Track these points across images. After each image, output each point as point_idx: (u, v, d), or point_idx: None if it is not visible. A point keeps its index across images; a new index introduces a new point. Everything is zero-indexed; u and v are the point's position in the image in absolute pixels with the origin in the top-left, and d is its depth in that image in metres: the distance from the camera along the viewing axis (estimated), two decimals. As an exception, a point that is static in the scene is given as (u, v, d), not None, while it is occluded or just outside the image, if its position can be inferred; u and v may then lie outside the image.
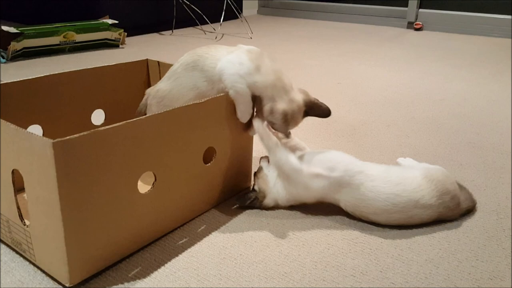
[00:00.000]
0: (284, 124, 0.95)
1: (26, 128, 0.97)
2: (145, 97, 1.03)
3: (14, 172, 0.75)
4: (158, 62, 1.16)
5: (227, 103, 0.94)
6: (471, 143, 1.37)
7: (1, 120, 0.73)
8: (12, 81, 0.97)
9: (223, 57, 0.95)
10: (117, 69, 1.13)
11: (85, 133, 0.69)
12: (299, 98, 0.97)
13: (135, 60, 1.18)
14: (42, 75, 1.01)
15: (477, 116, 1.60)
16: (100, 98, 1.11)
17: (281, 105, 0.94)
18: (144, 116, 0.80)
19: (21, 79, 0.98)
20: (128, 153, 0.77)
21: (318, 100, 1.00)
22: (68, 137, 0.67)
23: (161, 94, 0.98)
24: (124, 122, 0.75)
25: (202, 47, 1.00)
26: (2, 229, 0.85)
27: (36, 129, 1.00)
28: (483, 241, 0.89)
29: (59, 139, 0.66)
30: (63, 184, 0.68)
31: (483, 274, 0.80)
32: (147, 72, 1.19)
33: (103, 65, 1.11)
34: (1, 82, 0.95)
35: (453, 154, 1.29)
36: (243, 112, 0.96)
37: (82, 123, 1.08)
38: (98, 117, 1.13)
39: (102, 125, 1.12)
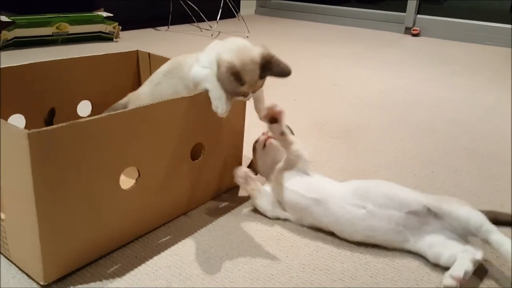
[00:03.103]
0: (236, 79, 0.83)
1: (7, 117, 0.94)
2: (125, 99, 1.00)
3: None
4: (149, 54, 1.12)
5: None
6: (466, 149, 1.34)
7: None
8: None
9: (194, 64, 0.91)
10: (106, 60, 1.09)
11: (63, 124, 0.65)
12: (254, 50, 0.87)
13: (127, 53, 1.14)
14: (27, 63, 0.97)
15: (473, 123, 1.58)
16: (87, 89, 1.08)
17: (227, 56, 0.84)
18: (128, 109, 0.76)
19: (4, 66, 0.94)
20: (110, 147, 0.73)
21: (279, 58, 0.90)
22: (44, 128, 0.63)
23: (142, 98, 0.95)
24: (107, 114, 0.72)
25: (183, 55, 0.97)
26: None
27: (18, 119, 0.97)
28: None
29: (35, 130, 0.62)
30: (38, 178, 0.64)
31: (476, 282, 0.78)
32: (137, 64, 1.15)
33: (91, 54, 1.08)
34: None
35: (448, 159, 1.27)
36: (216, 98, 0.86)
37: (67, 114, 1.04)
38: (84, 108, 1.09)
39: (89, 116, 1.08)
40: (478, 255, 0.77)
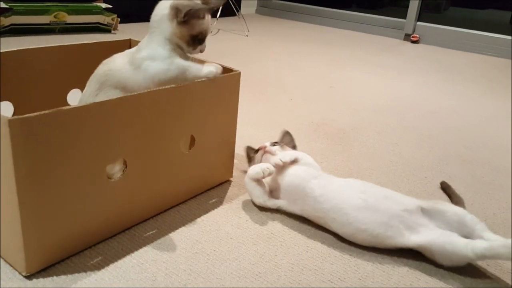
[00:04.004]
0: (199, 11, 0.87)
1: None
2: None
3: None
4: None
5: (211, 90, 0.89)
6: (460, 156, 1.34)
7: None
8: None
9: (129, 65, 0.87)
10: (98, 48, 1.07)
11: (46, 111, 0.63)
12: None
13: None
14: (17, 49, 0.95)
15: (468, 130, 1.58)
16: (78, 77, 1.05)
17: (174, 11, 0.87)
18: (116, 98, 0.75)
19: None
20: (96, 137, 0.71)
21: None
22: (26, 115, 0.61)
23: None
24: (93, 102, 0.70)
25: (99, 68, 0.91)
26: None
27: (6, 106, 0.94)
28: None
29: (17, 117, 0.60)
30: (20, 166, 0.63)
31: (476, 282, 0.77)
32: None
33: (83, 42, 1.06)
34: None
35: (441, 165, 1.26)
36: (201, 68, 0.88)
37: (57, 103, 1.01)
38: (75, 97, 1.07)
39: None
40: None
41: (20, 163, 0.62)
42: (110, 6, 2.56)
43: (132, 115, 0.76)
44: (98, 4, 2.54)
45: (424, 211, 0.84)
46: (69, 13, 2.40)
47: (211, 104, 0.91)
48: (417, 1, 3.29)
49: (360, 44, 3.12)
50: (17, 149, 0.61)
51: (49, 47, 1.00)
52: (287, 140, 1.10)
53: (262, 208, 0.95)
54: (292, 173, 0.92)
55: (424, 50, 3.10)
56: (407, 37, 3.36)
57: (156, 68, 0.85)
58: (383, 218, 0.82)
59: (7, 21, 2.21)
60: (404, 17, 3.38)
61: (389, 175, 1.17)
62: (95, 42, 1.07)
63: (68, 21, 2.41)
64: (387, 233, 0.82)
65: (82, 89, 1.06)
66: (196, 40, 0.89)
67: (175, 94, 0.83)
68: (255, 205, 0.95)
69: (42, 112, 0.63)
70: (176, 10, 0.86)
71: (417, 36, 3.30)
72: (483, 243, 0.76)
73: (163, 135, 0.83)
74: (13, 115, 0.95)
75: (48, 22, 2.35)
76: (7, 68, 0.94)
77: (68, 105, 1.04)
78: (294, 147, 1.08)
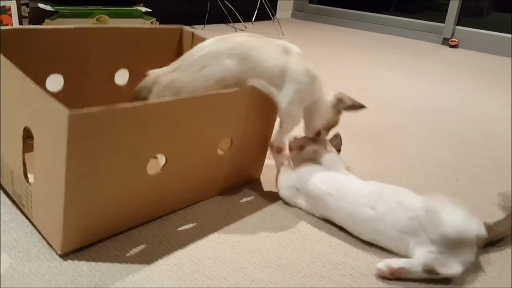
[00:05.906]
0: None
1: (48, 75, 0.98)
2: (148, 80, 0.92)
3: (26, 129, 0.75)
4: (193, 33, 1.15)
5: (251, 98, 0.91)
6: (496, 160, 1.31)
7: (23, 75, 0.72)
8: (41, 27, 0.98)
9: (288, 65, 0.93)
10: (149, 32, 1.13)
11: (103, 108, 0.68)
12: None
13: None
14: (73, 27, 1.01)
15: (505, 135, 1.54)
16: (127, 58, 1.09)
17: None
18: (166, 100, 0.78)
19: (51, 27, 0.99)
20: (143, 134, 0.76)
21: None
22: (85, 111, 0.66)
23: (178, 85, 0.87)
24: (145, 103, 0.75)
25: (237, 35, 0.92)
26: (5, 178, 0.85)
27: (57, 78, 1.01)
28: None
29: (76, 112, 0.65)
30: (72, 155, 0.67)
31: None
32: (180, 40, 1.17)
33: (136, 26, 1.11)
34: (32, 26, 0.95)
35: (475, 169, 1.24)
36: (287, 131, 0.97)
37: (105, 80, 1.08)
38: (122, 76, 1.12)
39: (125, 86, 1.11)
40: (442, 269, 0.75)
41: (73, 151, 0.67)
42: (150, 10, 2.64)
43: (179, 116, 0.80)
44: (139, 8, 2.63)
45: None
46: (110, 17, 2.50)
47: (250, 111, 0.93)
48: (457, 5, 3.22)
49: (396, 48, 3.08)
50: (72, 139, 0.66)
51: (101, 27, 1.07)
52: (335, 142, 1.13)
53: (286, 205, 0.96)
54: (310, 181, 0.93)
55: (463, 54, 3.03)
56: (445, 42, 3.29)
57: (293, 114, 0.95)
58: (393, 232, 0.80)
59: (53, 23, 2.32)
60: (443, 21, 3.31)
61: (419, 177, 1.16)
62: (148, 28, 1.14)
63: (109, 24, 2.51)
64: (398, 245, 0.81)
65: (129, 69, 1.11)
66: (327, 129, 1.03)
67: (219, 99, 0.86)
68: (284, 202, 0.97)
69: (100, 109, 0.67)
70: (340, 101, 1.01)
71: (456, 40, 3.22)
72: None
73: (203, 136, 0.87)
74: (63, 87, 1.02)
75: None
76: (61, 43, 1.00)
77: (115, 83, 1.10)
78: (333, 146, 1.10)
